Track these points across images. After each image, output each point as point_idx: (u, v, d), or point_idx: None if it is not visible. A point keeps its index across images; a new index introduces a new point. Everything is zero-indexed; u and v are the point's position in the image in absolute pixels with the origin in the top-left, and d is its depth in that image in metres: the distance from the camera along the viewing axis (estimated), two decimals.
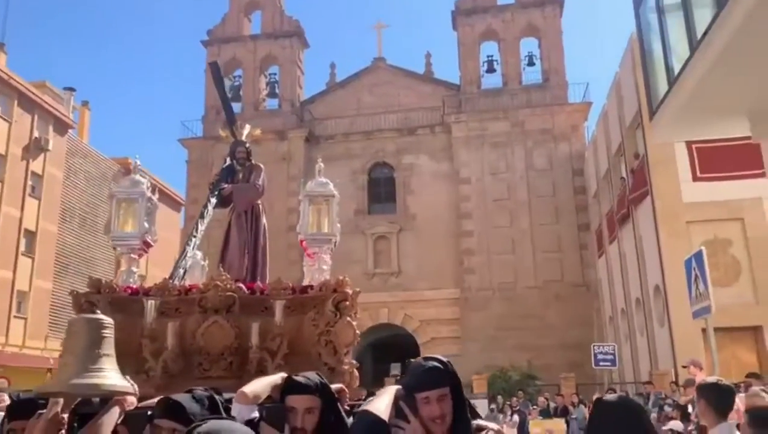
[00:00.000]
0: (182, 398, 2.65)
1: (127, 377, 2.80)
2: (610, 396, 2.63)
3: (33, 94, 28.14)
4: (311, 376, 2.68)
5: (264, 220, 6.72)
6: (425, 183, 29.45)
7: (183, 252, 6.33)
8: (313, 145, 29.96)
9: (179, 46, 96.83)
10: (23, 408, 3.06)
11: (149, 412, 2.59)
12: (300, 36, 33.23)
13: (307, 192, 5.99)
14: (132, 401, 2.72)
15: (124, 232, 5.77)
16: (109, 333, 2.68)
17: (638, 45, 9.30)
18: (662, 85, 7.29)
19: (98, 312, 5.02)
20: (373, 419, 2.41)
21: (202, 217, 6.55)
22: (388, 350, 26.99)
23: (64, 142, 30.47)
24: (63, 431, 2.83)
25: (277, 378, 2.78)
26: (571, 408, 16.91)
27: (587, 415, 14.97)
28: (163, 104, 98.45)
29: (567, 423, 16.04)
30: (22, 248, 27.02)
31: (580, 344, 23.41)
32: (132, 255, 5.75)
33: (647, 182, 18.63)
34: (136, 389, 2.82)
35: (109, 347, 2.65)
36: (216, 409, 2.86)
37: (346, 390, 3.02)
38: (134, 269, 5.71)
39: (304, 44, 33.88)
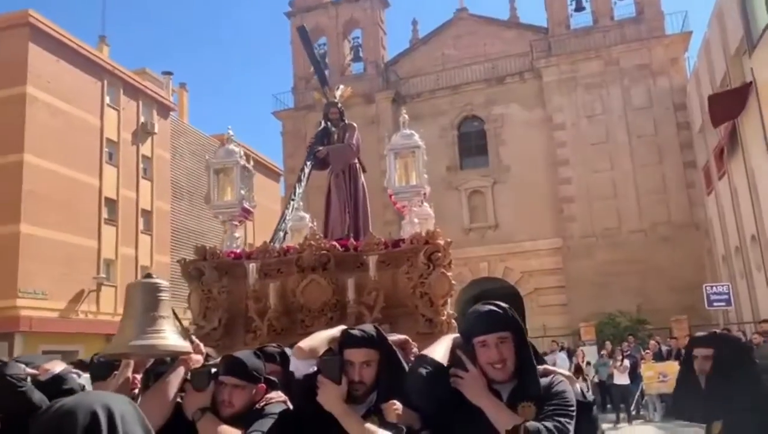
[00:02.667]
0: (244, 355, 2.71)
1: (193, 337, 2.86)
2: (701, 332, 2.73)
3: (136, 81, 29.84)
4: (367, 329, 2.64)
5: (362, 179, 6.75)
6: (517, 132, 28.84)
7: (282, 216, 6.52)
8: (401, 105, 29.90)
9: (264, 20, 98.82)
10: (102, 369, 3.23)
11: (214, 370, 2.66)
12: None
13: (392, 145, 5.93)
14: (198, 359, 2.74)
15: (223, 201, 5.93)
16: (165, 295, 2.69)
17: None
18: (762, 17, 6.80)
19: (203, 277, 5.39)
20: (431, 363, 2.37)
21: (299, 181, 6.72)
22: None
23: (168, 124, 32.21)
24: (137, 391, 2.92)
25: (336, 331, 2.76)
26: (684, 350, 16.43)
27: None
28: (255, 79, 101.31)
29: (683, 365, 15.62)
30: (141, 227, 29.10)
31: (691, 286, 22.52)
32: (233, 222, 5.90)
33: (758, 110, 17.40)
34: (202, 348, 2.84)
35: (165, 309, 2.66)
36: (287, 364, 2.97)
37: (411, 341, 2.95)
38: (236, 235, 5.88)
39: (385, 4, 33.68)
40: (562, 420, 2.24)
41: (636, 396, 16.36)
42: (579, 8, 29.69)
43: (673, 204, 26.14)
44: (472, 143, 29.98)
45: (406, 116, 6.20)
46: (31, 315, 22.43)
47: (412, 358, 2.74)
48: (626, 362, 16.33)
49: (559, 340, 20.56)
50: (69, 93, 25.66)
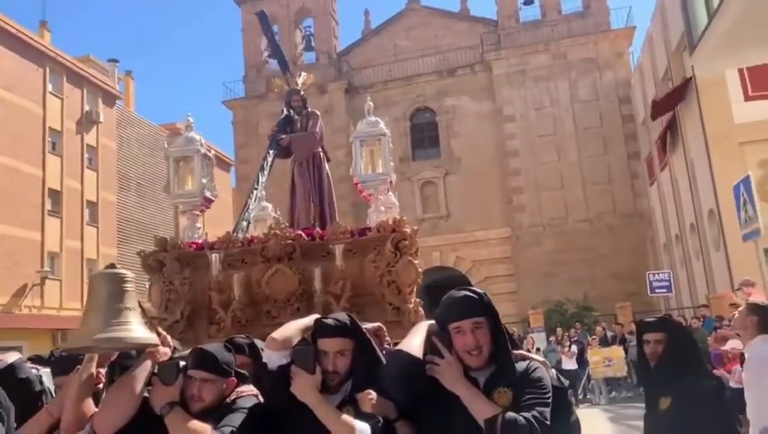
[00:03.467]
0: (214, 348, 2.63)
1: (160, 329, 2.78)
2: (649, 318, 2.94)
3: (80, 68, 28.92)
4: (341, 317, 2.60)
5: (326, 167, 6.65)
6: (468, 124, 29.26)
7: (246, 206, 6.39)
8: (353, 96, 29.99)
9: (212, 7, 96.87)
10: (63, 364, 3.09)
11: (182, 363, 2.58)
12: None
13: (357, 133, 5.82)
14: (165, 352, 2.66)
15: (183, 190, 5.76)
16: (131, 286, 2.58)
17: None
18: (701, 17, 7.16)
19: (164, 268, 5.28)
20: (406, 358, 2.33)
21: (262, 169, 6.55)
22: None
23: (114, 112, 31.36)
24: (101, 385, 2.85)
25: (309, 320, 2.72)
26: (628, 336, 17.08)
27: None
28: (203, 68, 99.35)
29: (625, 350, 16.25)
30: (86, 218, 28.30)
31: (634, 273, 23.36)
32: (194, 212, 5.75)
33: (697, 105, 18.15)
34: (170, 340, 2.76)
35: (131, 300, 2.55)
36: (257, 356, 2.89)
37: (384, 328, 2.90)
38: (197, 225, 5.74)
39: None
40: (539, 409, 2.25)
41: (583, 381, 16.94)
42: (528, 2, 30.23)
43: (617, 194, 27.00)
44: (425, 134, 30.26)
45: (371, 103, 6.13)
46: None
47: (387, 346, 2.72)
48: (573, 348, 16.90)
49: (509, 327, 20.98)
50: (9, 80, 24.72)
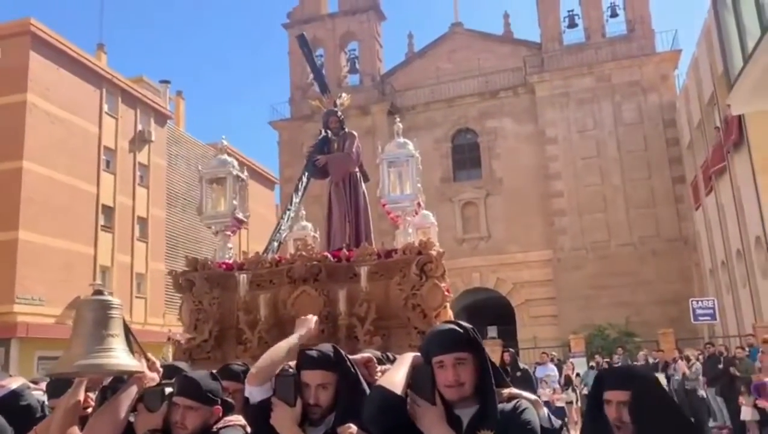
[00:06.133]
0: (199, 375, 2.59)
1: (149, 355, 2.78)
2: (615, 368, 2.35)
3: (133, 89, 30.14)
4: (325, 349, 2.53)
5: (363, 188, 6.54)
6: (510, 146, 29.30)
7: (277, 226, 6.44)
8: (396, 117, 30.36)
9: (262, 32, 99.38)
10: (58, 387, 3.08)
11: (168, 389, 2.57)
12: (376, 9, 33.54)
13: (385, 154, 5.73)
14: (153, 377, 2.66)
15: (215, 211, 5.77)
16: (117, 313, 2.59)
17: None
18: (737, 59, 7.21)
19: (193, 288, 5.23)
20: (385, 394, 2.22)
21: (296, 190, 6.54)
22: (484, 313, 27.39)
23: (164, 132, 32.50)
24: (90, 409, 2.82)
25: (287, 344, 2.69)
26: (672, 363, 16.77)
27: (686, 371, 14.89)
28: (252, 90, 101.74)
29: (667, 378, 15.94)
30: (136, 234, 29.33)
31: (678, 299, 22.95)
32: (226, 233, 5.77)
33: (743, 132, 17.85)
34: (158, 366, 2.75)
35: (116, 327, 2.55)
36: None
37: (374, 360, 2.77)
38: (229, 245, 5.77)
39: (381, 17, 34.17)
40: None
41: None
42: (572, 25, 30.27)
43: (662, 218, 26.58)
44: (466, 155, 30.42)
45: (400, 125, 6.07)
46: (28, 321, 22.58)
47: (378, 377, 2.56)
48: None
49: (549, 351, 20.87)
50: (68, 101, 25.95)
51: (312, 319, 2.98)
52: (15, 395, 3.52)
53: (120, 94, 29.25)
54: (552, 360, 19.73)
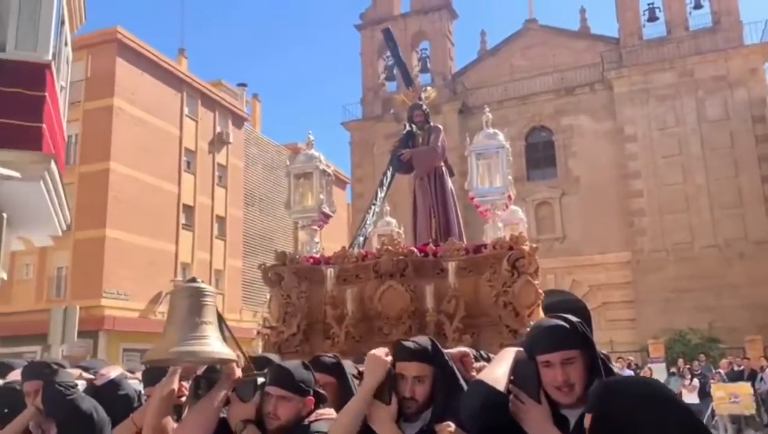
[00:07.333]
0: (292, 365, 2.54)
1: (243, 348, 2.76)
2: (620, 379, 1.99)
3: (212, 93, 31.17)
4: (421, 341, 2.44)
5: (449, 182, 6.38)
6: (587, 144, 28.52)
7: (363, 221, 6.37)
8: (467, 116, 30.12)
9: (334, 32, 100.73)
10: (152, 374, 3.12)
11: (261, 380, 2.54)
12: (448, 8, 33.32)
13: (474, 146, 5.57)
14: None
15: (303, 206, 5.81)
16: (210, 300, 2.56)
17: None
18: None
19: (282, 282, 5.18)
20: (486, 390, 2.07)
21: (381, 185, 6.49)
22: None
23: (242, 133, 33.46)
24: (183, 398, 2.84)
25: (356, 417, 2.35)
26: (759, 372, 15.97)
27: None
28: (324, 91, 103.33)
29: (754, 387, 15.19)
30: (215, 232, 30.34)
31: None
32: (313, 227, 5.79)
33: None
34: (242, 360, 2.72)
35: (210, 314, 2.52)
36: (343, 376, 2.79)
37: (471, 355, 2.64)
38: (315, 240, 5.80)
39: (453, 15, 33.94)
40: None
41: (706, 416, 15.98)
42: (652, 18, 29.15)
43: (749, 219, 25.26)
44: (540, 154, 29.81)
45: (489, 115, 5.86)
46: (114, 314, 23.73)
47: (474, 373, 2.46)
48: (695, 381, 16.00)
49: (626, 357, 20.23)
50: (151, 104, 27.08)
51: (386, 362, 2.43)
52: (114, 384, 3.57)
53: (200, 97, 30.30)
54: (629, 366, 19.14)
